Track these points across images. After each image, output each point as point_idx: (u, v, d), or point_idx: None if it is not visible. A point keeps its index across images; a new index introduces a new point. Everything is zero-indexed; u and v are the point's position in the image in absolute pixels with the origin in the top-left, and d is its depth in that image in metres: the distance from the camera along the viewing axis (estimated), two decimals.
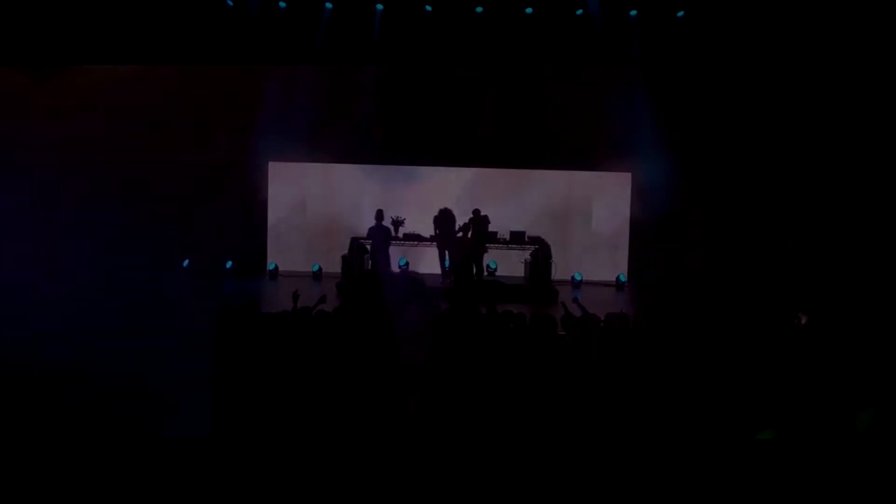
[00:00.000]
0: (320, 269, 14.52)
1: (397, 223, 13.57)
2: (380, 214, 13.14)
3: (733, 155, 13.65)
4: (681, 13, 14.05)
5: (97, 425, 3.71)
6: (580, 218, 15.03)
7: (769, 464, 1.47)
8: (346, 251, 13.29)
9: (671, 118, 13.80)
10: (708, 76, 13.67)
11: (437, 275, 13.31)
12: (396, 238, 13.58)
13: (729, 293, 12.26)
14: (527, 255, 13.46)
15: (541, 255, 12.91)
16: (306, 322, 5.71)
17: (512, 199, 15.00)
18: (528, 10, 14.45)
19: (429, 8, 14.42)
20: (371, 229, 13.11)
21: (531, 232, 13.56)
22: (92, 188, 13.16)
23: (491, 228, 13.27)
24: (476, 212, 12.96)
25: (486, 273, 13.58)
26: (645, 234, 14.47)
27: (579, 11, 14.35)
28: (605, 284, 14.58)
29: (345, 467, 1.27)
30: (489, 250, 13.37)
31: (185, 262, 14.19)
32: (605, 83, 14.11)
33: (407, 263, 14.59)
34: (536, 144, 14.50)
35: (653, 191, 14.01)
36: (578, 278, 14.51)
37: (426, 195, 14.57)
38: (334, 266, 13.75)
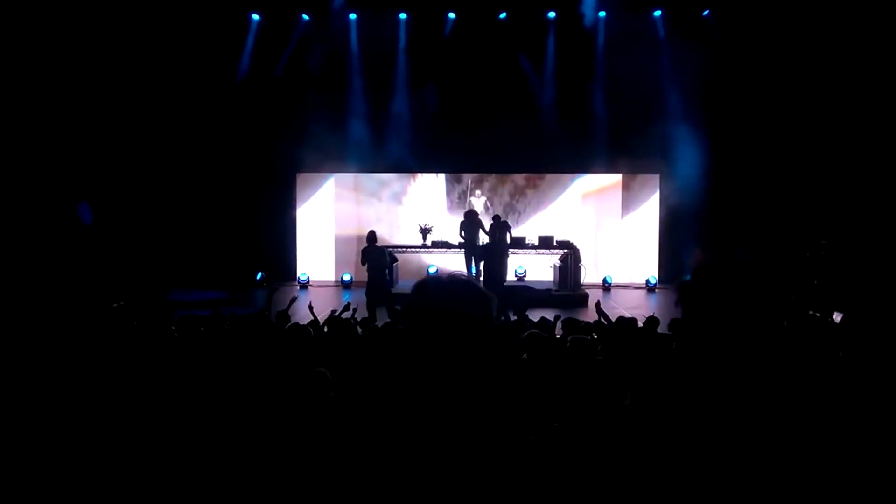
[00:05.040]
0: (352, 278, 14.58)
1: (425, 231, 13.59)
2: (372, 236, 11.14)
3: (762, 153, 13.46)
4: (706, 12, 13.97)
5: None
6: (609, 221, 14.94)
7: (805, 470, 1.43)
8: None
9: (699, 118, 13.63)
10: (736, 73, 13.50)
11: None
12: (425, 245, 13.61)
13: (762, 293, 12.03)
14: (556, 259, 13.39)
15: (570, 259, 12.83)
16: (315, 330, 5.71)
17: (540, 203, 14.98)
18: (551, 15, 14.50)
19: (452, 15, 14.49)
20: (365, 251, 11.06)
21: (560, 236, 13.49)
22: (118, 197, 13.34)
23: (520, 233, 13.24)
24: (496, 218, 12.82)
25: (514, 278, 13.56)
26: (674, 235, 14.32)
27: (602, 13, 14.35)
28: (636, 287, 14.47)
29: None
30: (515, 255, 13.34)
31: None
32: (631, 85, 13.99)
33: (437, 271, 14.61)
34: (563, 149, 14.42)
35: (681, 192, 13.88)
36: (609, 282, 14.41)
37: (453, 202, 14.60)
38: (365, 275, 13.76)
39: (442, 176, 15.09)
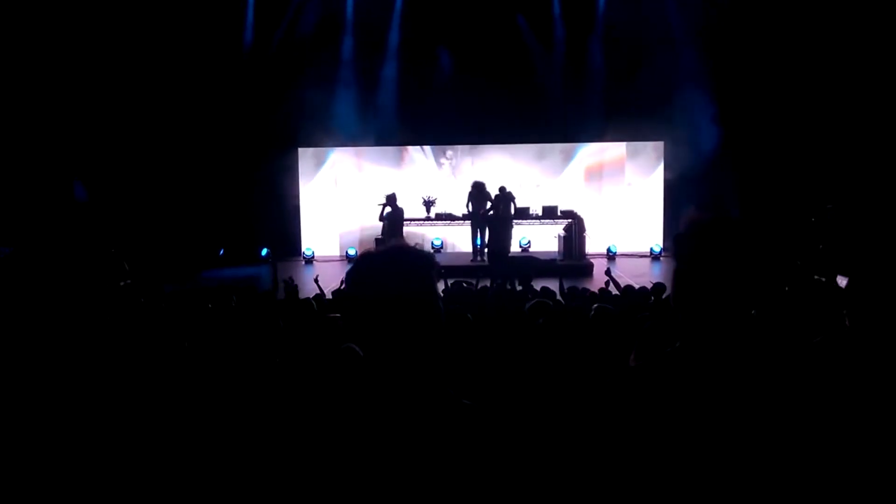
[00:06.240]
0: (356, 253, 14.59)
1: (429, 203, 13.56)
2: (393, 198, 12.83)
3: (770, 117, 13.31)
4: None
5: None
6: (614, 190, 14.89)
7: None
8: (380, 234, 13.30)
9: (704, 84, 13.44)
10: (744, 39, 13.27)
11: (468, 253, 13.37)
12: (429, 218, 13.59)
13: (767, 262, 11.98)
14: (560, 229, 13.37)
15: (575, 228, 12.81)
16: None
17: (544, 173, 14.92)
18: None
19: None
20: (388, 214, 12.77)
21: (564, 206, 13.45)
22: (121, 175, 13.27)
23: (523, 203, 13.21)
24: (501, 189, 12.82)
25: (518, 249, 13.56)
26: (679, 203, 14.23)
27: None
28: (641, 256, 14.45)
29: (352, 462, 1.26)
30: (519, 225, 13.34)
31: (221, 252, 14.28)
32: (636, 51, 13.78)
33: (442, 244, 14.61)
34: (566, 118, 14.33)
35: (686, 158, 13.74)
36: (613, 251, 14.39)
37: (459, 173, 14.57)
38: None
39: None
